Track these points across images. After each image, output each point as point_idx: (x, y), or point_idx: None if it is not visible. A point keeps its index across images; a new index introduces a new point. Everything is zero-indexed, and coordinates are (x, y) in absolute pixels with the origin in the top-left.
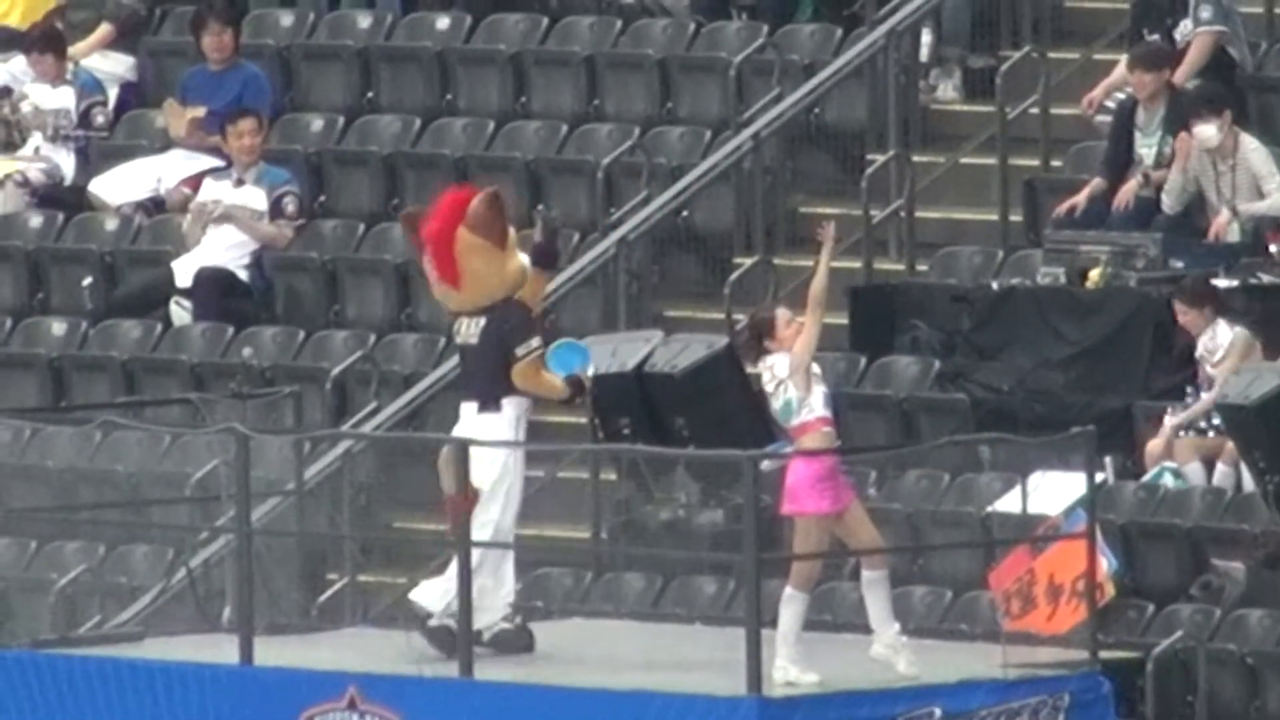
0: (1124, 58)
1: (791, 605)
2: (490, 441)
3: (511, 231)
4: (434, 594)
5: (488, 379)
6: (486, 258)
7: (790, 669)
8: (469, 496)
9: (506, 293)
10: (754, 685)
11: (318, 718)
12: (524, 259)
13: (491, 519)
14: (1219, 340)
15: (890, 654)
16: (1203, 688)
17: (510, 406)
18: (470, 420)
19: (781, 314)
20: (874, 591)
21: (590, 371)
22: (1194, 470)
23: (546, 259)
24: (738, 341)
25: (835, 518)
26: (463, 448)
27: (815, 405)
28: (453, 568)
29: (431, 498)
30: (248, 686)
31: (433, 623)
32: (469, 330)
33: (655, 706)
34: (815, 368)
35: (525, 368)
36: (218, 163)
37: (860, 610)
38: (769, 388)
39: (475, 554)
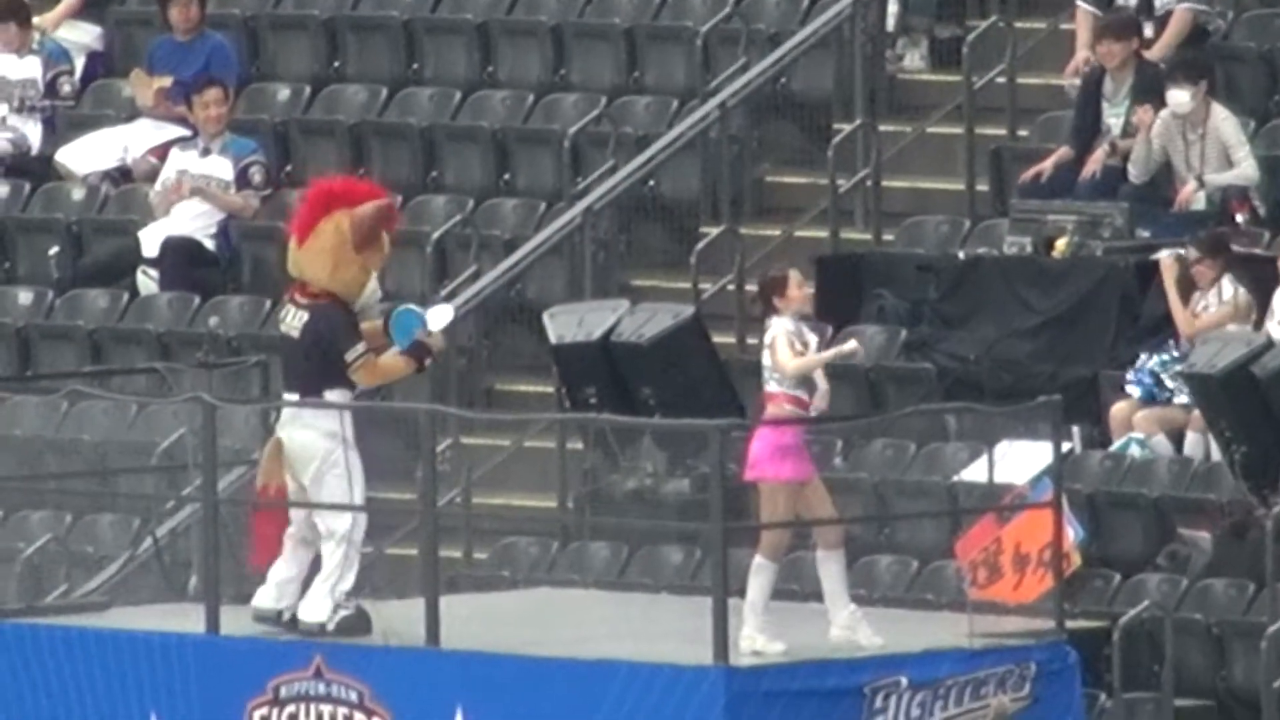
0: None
1: (760, 575)
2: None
3: (379, 251)
4: (319, 604)
5: (308, 372)
6: (335, 240)
7: (757, 638)
8: (279, 491)
9: (333, 289)
10: (720, 654)
11: (284, 687)
12: (373, 287)
13: (341, 501)
14: (1223, 296)
15: (849, 634)
16: (1169, 657)
17: (333, 398)
18: (293, 412)
19: (794, 275)
20: (828, 570)
21: (437, 327)
22: (1158, 442)
23: (419, 354)
24: (750, 301)
25: (797, 488)
26: (276, 443)
27: (786, 382)
28: (325, 566)
29: (394, 466)
30: (214, 656)
31: (331, 626)
32: (292, 321)
33: (621, 675)
34: (819, 379)
35: (360, 370)
36: (184, 132)
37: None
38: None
39: (329, 545)
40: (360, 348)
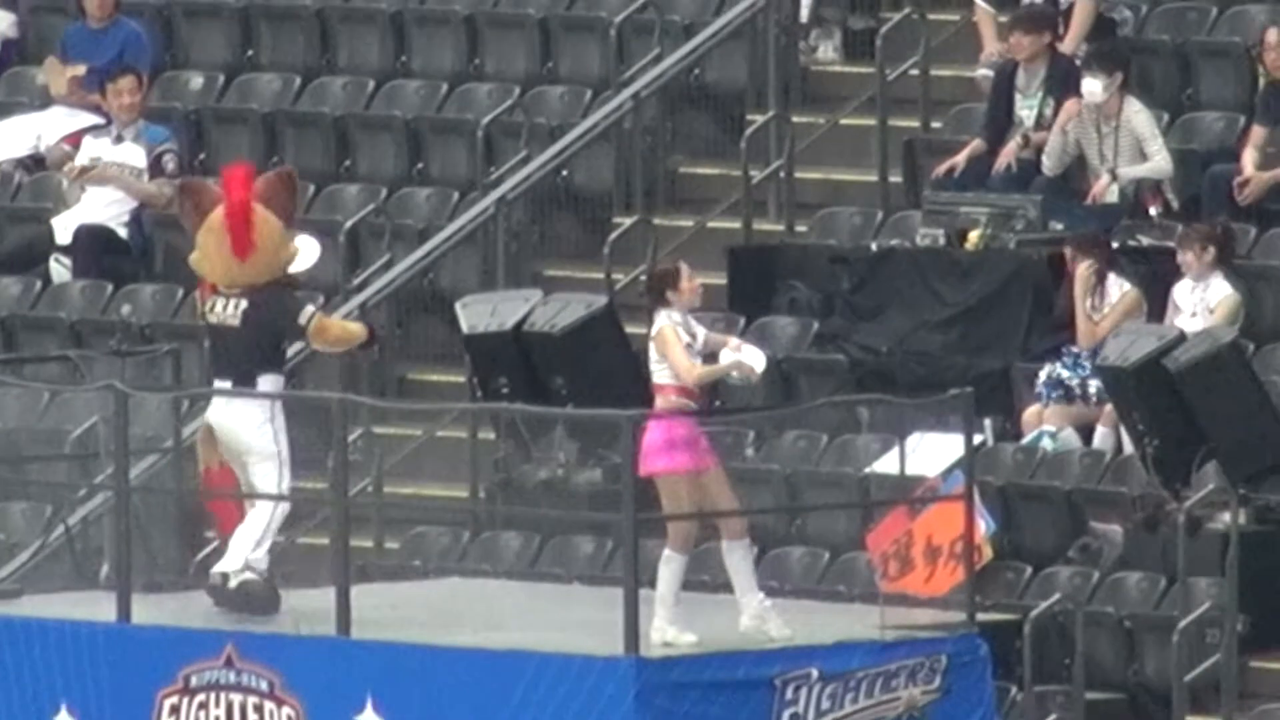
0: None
1: (669, 566)
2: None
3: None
4: (230, 558)
5: (246, 358)
6: (275, 235)
7: (668, 629)
8: (223, 468)
9: (278, 274)
10: (631, 645)
11: (195, 676)
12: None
13: (271, 483)
14: (1108, 295)
15: (759, 623)
16: (1080, 650)
17: (266, 383)
18: (224, 399)
19: (685, 268)
20: (734, 561)
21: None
22: (1068, 435)
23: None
24: (644, 291)
25: (694, 478)
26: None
27: (672, 374)
28: (244, 526)
29: (308, 455)
30: (125, 644)
31: (234, 583)
32: (228, 311)
33: (532, 666)
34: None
35: (314, 330)
36: (98, 120)
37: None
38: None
39: (254, 511)
40: (310, 309)
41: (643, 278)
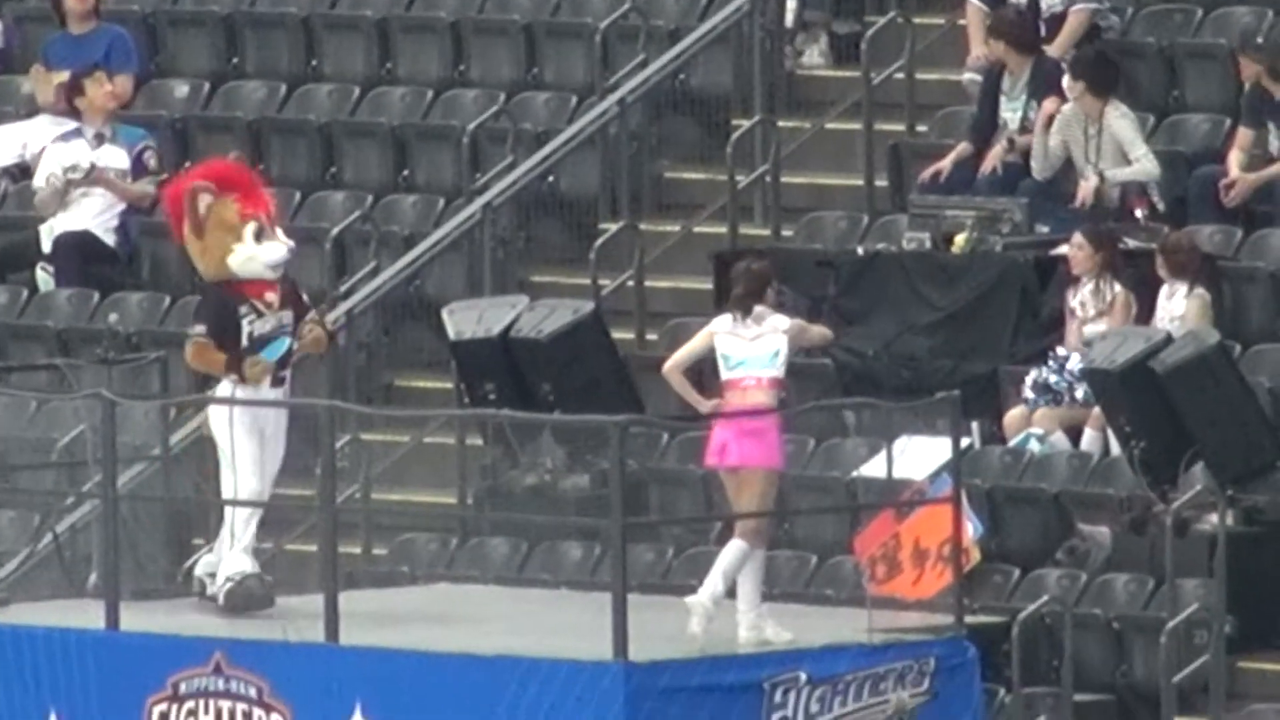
0: None
1: (755, 561)
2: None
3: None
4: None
5: None
6: (189, 241)
7: (765, 626)
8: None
9: (212, 272)
10: (620, 650)
11: (184, 683)
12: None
13: (228, 485)
14: (1104, 297)
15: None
16: (1068, 652)
17: (222, 385)
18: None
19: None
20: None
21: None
22: (1057, 438)
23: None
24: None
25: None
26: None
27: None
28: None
29: (293, 462)
30: (114, 652)
31: (217, 594)
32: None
33: (521, 671)
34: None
35: (189, 347)
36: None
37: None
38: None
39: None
40: (199, 329)
41: (629, 283)
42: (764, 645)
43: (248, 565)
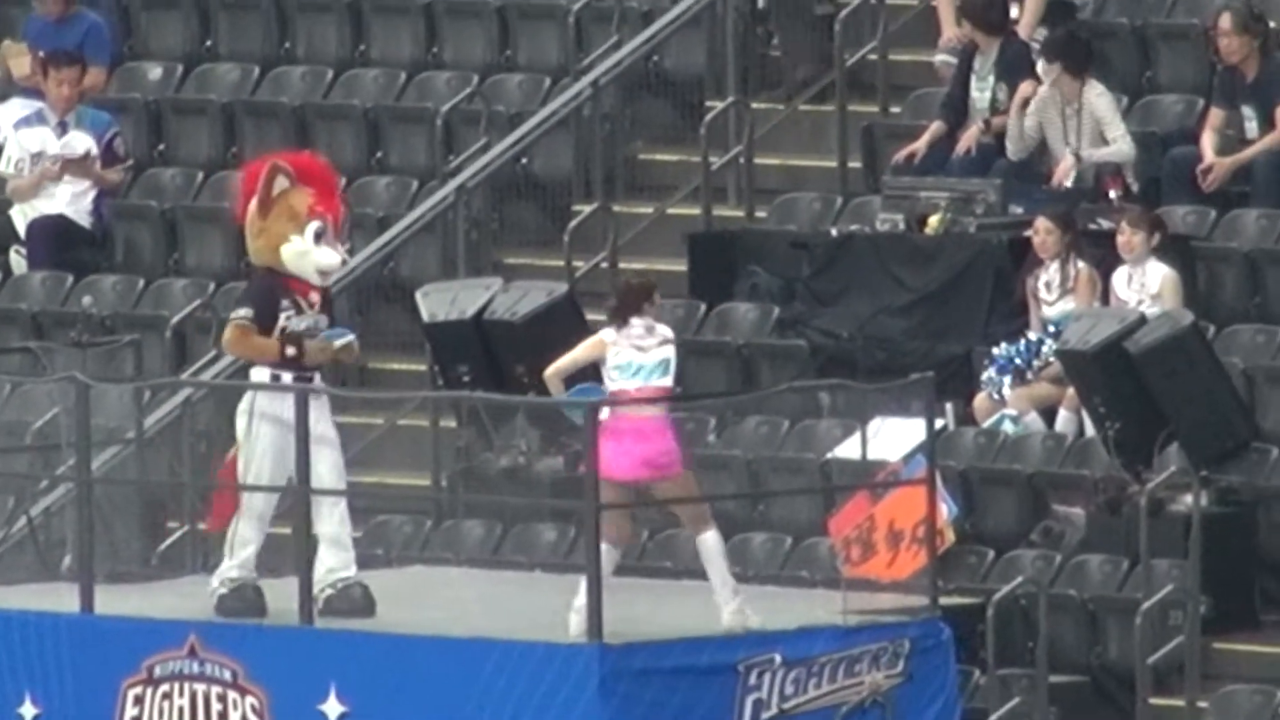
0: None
1: (717, 546)
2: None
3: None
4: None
5: None
6: (250, 218)
7: (748, 611)
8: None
9: (262, 259)
10: (594, 632)
11: (158, 666)
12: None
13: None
14: (1069, 277)
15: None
16: (1043, 633)
17: (256, 371)
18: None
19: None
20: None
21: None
22: (1032, 419)
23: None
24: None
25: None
26: None
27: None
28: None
29: None
30: (88, 635)
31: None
32: None
33: (496, 653)
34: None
35: (229, 331)
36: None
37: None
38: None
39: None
40: (243, 311)
41: (603, 265)
42: (745, 629)
43: (241, 571)
